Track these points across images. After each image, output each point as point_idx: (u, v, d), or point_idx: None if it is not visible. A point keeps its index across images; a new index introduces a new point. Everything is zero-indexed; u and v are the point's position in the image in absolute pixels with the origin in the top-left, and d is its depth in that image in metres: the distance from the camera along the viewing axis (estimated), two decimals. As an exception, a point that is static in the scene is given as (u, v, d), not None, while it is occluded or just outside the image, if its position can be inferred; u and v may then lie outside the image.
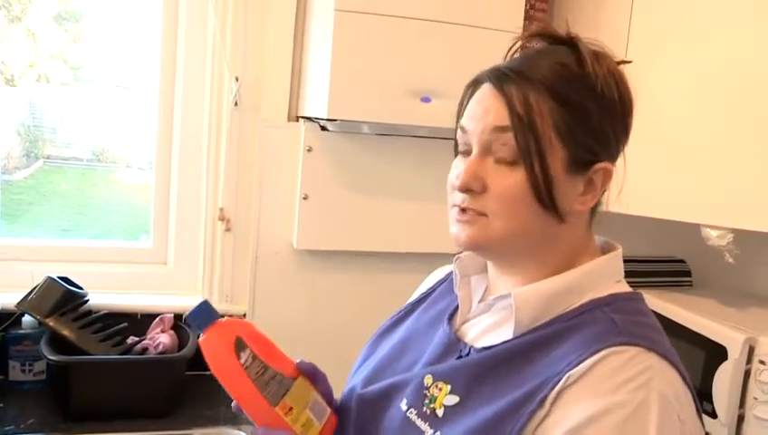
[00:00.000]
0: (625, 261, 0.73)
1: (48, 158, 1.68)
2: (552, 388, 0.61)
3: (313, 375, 0.79)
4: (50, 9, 1.62)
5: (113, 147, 1.74)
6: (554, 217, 0.67)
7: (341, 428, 0.80)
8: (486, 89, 0.68)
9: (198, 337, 0.75)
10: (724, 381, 1.34)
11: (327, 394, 0.81)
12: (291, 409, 0.72)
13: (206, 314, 0.74)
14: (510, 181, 0.66)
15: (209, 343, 0.73)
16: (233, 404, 0.76)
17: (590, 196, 0.68)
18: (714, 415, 1.36)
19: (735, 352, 1.32)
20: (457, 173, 0.69)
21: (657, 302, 1.57)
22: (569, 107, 0.65)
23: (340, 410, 0.82)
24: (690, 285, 1.87)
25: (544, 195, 0.65)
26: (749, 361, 1.32)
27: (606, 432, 0.57)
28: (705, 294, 1.64)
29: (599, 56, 0.67)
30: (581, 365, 0.61)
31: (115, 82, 1.69)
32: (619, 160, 0.72)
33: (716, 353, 1.36)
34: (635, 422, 0.58)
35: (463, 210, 0.69)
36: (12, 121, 1.60)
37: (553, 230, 0.68)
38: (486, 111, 0.67)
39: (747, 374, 1.32)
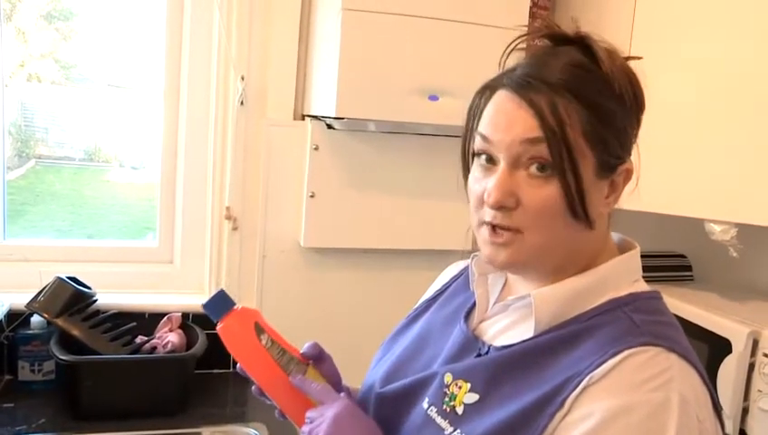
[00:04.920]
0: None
1: (40, 157, 1.67)
2: (574, 389, 0.61)
3: (320, 356, 0.81)
4: (40, 8, 1.61)
5: (106, 146, 1.73)
6: (585, 226, 0.65)
7: None
8: (507, 97, 0.65)
9: (215, 326, 0.77)
10: (728, 375, 1.35)
11: (335, 375, 0.83)
12: None
13: (222, 302, 0.76)
14: (544, 195, 0.63)
15: (230, 329, 0.76)
16: (253, 388, 0.79)
17: (612, 197, 0.68)
18: (720, 410, 1.38)
19: (740, 345, 1.33)
20: (485, 188, 0.66)
21: (661, 296, 1.58)
22: (595, 111, 0.63)
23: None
24: (691, 280, 1.88)
25: (578, 206, 0.64)
26: (753, 354, 1.33)
27: (625, 431, 0.58)
28: (707, 289, 1.65)
29: (611, 54, 0.65)
30: (603, 366, 0.60)
31: (107, 80, 1.67)
32: (634, 156, 0.72)
33: (720, 347, 1.37)
34: (654, 422, 0.58)
35: (494, 229, 0.66)
36: (3, 121, 1.58)
37: (581, 236, 0.67)
38: (513, 121, 0.64)
39: (751, 367, 1.33)
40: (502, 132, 0.65)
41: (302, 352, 0.80)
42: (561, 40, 0.68)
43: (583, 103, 0.63)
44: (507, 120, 0.65)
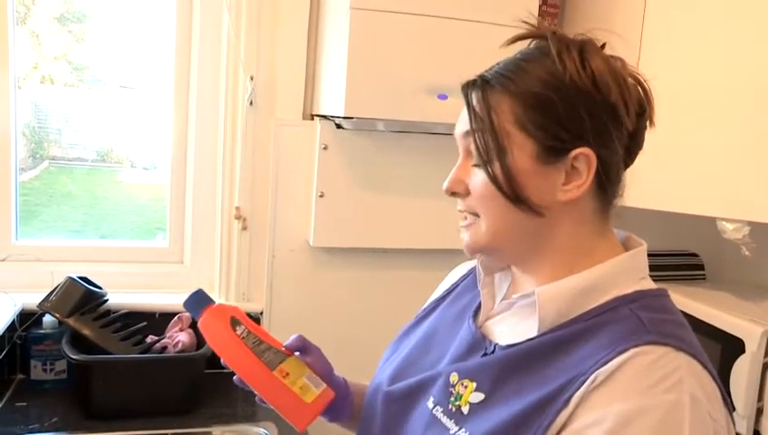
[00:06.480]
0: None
1: (53, 159, 1.68)
2: (579, 387, 0.60)
3: (305, 348, 0.84)
4: (53, 11, 1.62)
5: (118, 147, 1.74)
6: (529, 211, 0.67)
7: (368, 424, 0.81)
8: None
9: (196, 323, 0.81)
10: (741, 375, 1.33)
11: (323, 366, 0.85)
12: (287, 374, 0.78)
13: (200, 299, 0.81)
14: (479, 181, 0.69)
15: (207, 322, 0.80)
16: (234, 377, 0.81)
17: (573, 184, 0.66)
18: (732, 408, 1.36)
19: (753, 344, 1.32)
20: None
21: (673, 295, 1.57)
22: (528, 99, 0.65)
23: (366, 407, 0.83)
24: (704, 279, 1.86)
25: (507, 189, 0.66)
26: (767, 353, 1.32)
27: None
28: (720, 288, 1.64)
29: (570, 46, 0.66)
30: (609, 365, 0.60)
31: (119, 82, 1.68)
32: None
33: (734, 346, 1.36)
34: (669, 424, 0.57)
35: (464, 217, 0.73)
36: (16, 123, 1.60)
37: (543, 224, 0.68)
38: (461, 118, 0.72)
39: (765, 367, 1.32)
40: (456, 129, 0.73)
41: (285, 344, 0.82)
42: (533, 38, 0.71)
43: (516, 93, 0.66)
44: (460, 118, 0.72)
